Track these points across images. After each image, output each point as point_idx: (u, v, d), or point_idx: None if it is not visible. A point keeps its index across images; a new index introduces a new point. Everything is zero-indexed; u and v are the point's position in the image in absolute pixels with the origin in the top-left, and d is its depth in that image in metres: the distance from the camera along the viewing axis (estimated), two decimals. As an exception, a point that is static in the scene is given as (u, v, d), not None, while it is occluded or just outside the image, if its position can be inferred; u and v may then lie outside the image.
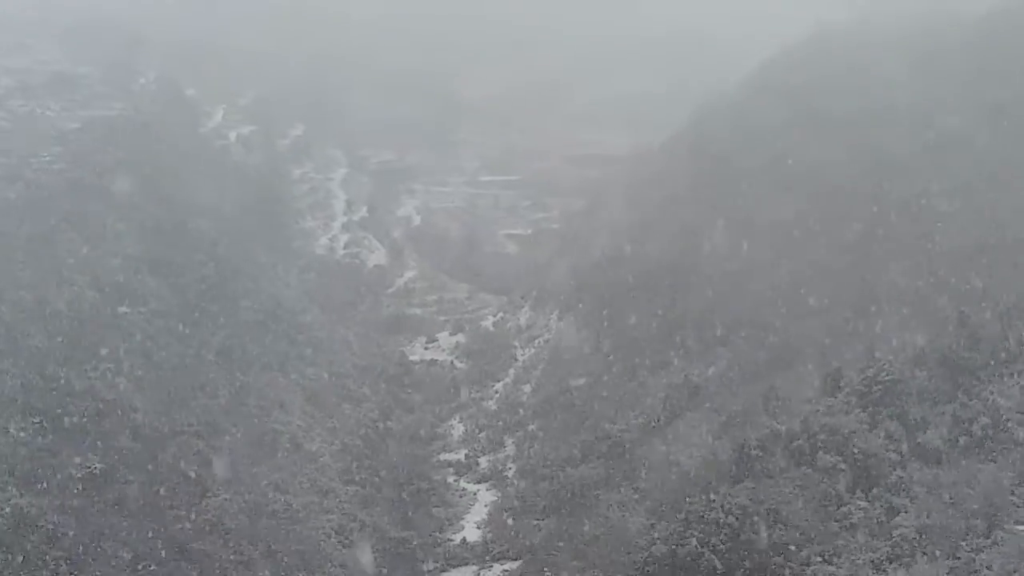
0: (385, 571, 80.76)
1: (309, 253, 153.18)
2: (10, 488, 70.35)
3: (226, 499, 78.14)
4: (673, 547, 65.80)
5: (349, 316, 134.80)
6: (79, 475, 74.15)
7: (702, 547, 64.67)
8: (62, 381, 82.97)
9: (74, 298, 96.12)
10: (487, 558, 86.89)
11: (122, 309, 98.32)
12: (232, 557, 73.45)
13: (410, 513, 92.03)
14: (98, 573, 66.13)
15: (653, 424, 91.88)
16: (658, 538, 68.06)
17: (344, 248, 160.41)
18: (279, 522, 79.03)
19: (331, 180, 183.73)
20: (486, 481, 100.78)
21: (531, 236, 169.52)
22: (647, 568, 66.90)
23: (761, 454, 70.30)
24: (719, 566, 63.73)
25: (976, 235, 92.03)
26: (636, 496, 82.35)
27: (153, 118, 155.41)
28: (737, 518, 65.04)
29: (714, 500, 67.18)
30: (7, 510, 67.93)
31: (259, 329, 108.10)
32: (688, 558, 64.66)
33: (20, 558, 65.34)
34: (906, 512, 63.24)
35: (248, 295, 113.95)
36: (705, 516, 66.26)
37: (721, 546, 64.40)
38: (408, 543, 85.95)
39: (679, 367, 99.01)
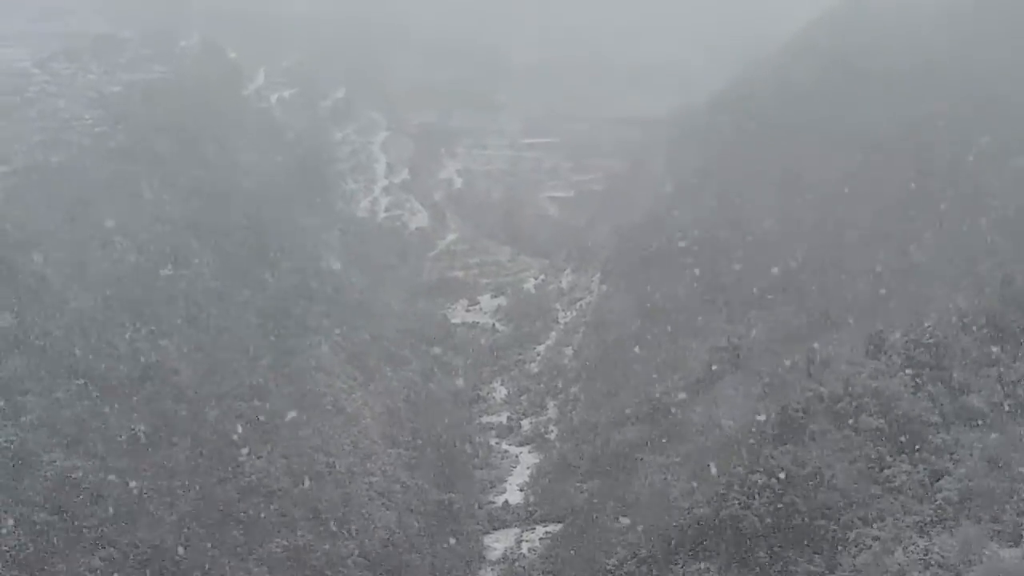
0: (428, 533, 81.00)
1: (351, 216, 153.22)
2: (55, 450, 70.80)
3: (269, 461, 78.39)
4: (715, 509, 65.80)
5: (391, 278, 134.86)
6: (123, 437, 74.48)
7: (744, 509, 64.63)
8: (105, 344, 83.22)
9: (117, 261, 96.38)
10: (529, 520, 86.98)
11: (164, 272, 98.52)
12: (275, 519, 73.65)
13: (452, 476, 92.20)
14: (143, 534, 66.60)
15: (695, 387, 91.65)
16: (700, 500, 68.02)
17: (385, 211, 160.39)
18: (322, 484, 79.15)
19: (372, 143, 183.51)
20: (528, 444, 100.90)
21: (573, 198, 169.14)
22: (689, 530, 66.92)
23: (803, 417, 69.92)
24: (761, 528, 63.66)
25: (1022, 196, 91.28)
26: (678, 459, 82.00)
27: (195, 81, 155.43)
28: (779, 481, 64.88)
29: (756, 463, 67.16)
30: (52, 472, 68.46)
31: (301, 291, 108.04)
32: (730, 520, 64.62)
33: (66, 519, 65.91)
34: (949, 475, 62.88)
35: (290, 258, 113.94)
36: (747, 479, 66.17)
37: (763, 508, 64.30)
38: (451, 505, 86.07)
39: (721, 329, 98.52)
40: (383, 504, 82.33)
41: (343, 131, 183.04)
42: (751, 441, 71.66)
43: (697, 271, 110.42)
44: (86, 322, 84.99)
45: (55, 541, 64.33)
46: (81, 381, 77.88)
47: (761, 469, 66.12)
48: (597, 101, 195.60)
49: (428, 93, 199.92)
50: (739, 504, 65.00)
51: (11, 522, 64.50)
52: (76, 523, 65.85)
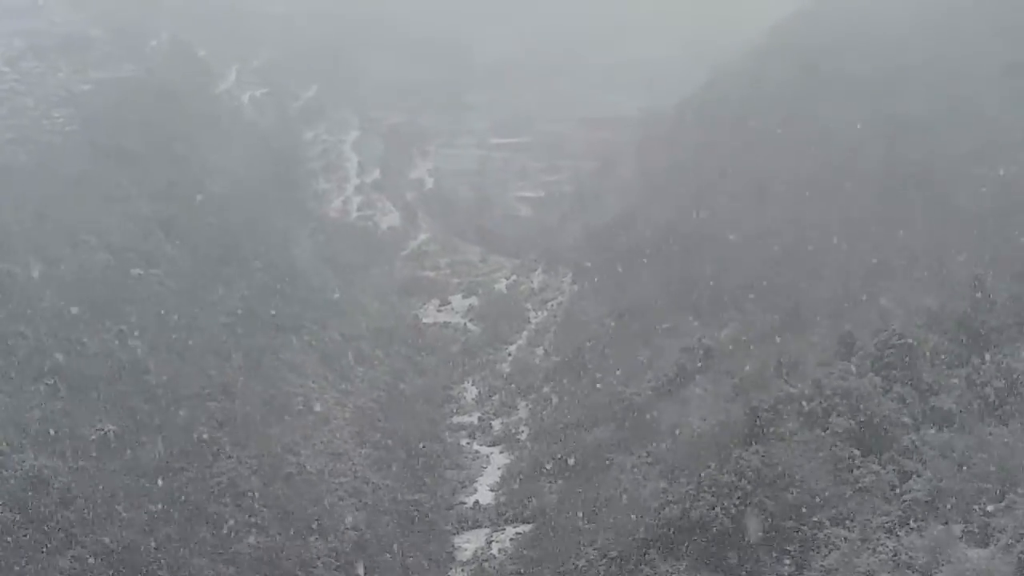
0: (399, 534, 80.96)
1: (322, 215, 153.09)
2: (25, 449, 70.61)
3: (239, 461, 78.31)
4: (686, 509, 65.81)
5: (362, 278, 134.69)
6: (93, 437, 74.33)
7: (714, 509, 64.69)
8: (75, 343, 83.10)
9: (86, 260, 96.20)
10: (500, 521, 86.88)
11: (135, 271, 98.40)
12: (246, 519, 73.59)
13: (423, 476, 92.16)
14: (113, 534, 66.43)
15: (666, 387, 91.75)
16: (671, 501, 68.03)
17: (357, 210, 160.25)
18: (293, 484, 79.13)
19: (344, 142, 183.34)
20: (499, 444, 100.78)
21: (543, 198, 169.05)
22: (660, 530, 66.94)
23: (773, 417, 70.05)
24: (731, 528, 63.73)
25: (991, 199, 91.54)
26: (649, 459, 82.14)
27: (165, 80, 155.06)
28: (749, 481, 64.98)
29: (726, 463, 67.24)
30: (21, 472, 68.22)
31: (272, 291, 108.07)
32: (700, 520, 64.60)
33: (34, 519, 65.67)
34: (919, 476, 63.01)
35: (261, 257, 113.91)
36: (717, 479, 66.18)
37: (733, 509, 64.34)
38: (421, 505, 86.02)
39: (691, 330, 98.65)
40: (353, 504, 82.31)
41: (315, 130, 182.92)
42: (721, 441, 71.80)
43: (668, 271, 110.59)
44: (55, 321, 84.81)
45: (24, 542, 64.12)
46: (50, 380, 77.69)
47: (731, 469, 66.21)
48: (569, 101, 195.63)
49: (400, 92, 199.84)
50: (709, 504, 65.06)
51: (-22, 522, 64.39)
52: (44, 523, 65.64)
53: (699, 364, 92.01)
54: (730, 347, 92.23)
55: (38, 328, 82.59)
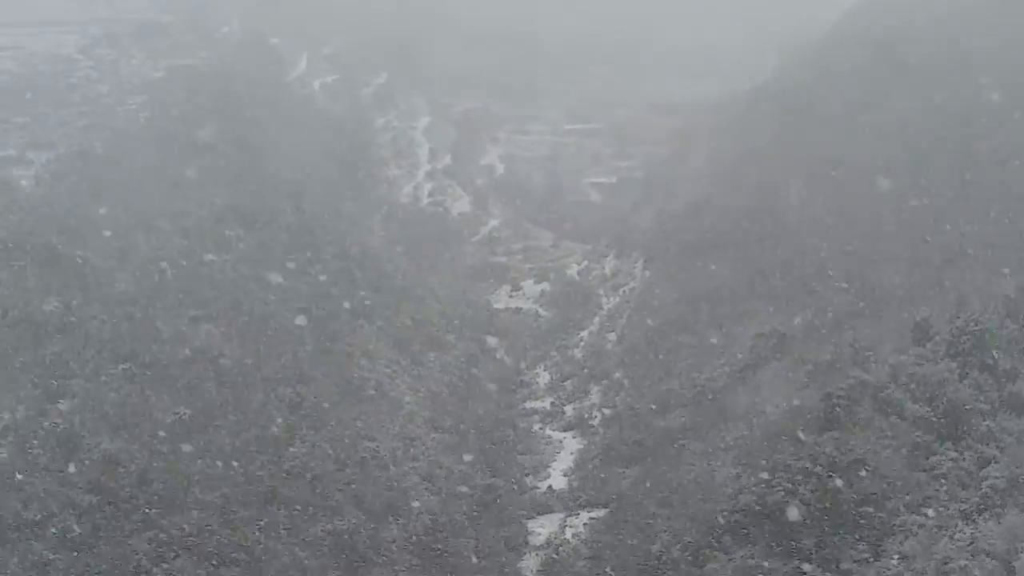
0: (472, 518, 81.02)
1: (393, 201, 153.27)
2: (101, 433, 71.24)
3: (313, 445, 78.56)
4: (760, 495, 65.56)
5: (434, 264, 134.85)
6: (168, 421, 74.89)
7: (789, 496, 64.38)
8: (150, 328, 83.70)
9: (161, 245, 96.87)
10: (573, 505, 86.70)
11: (208, 256, 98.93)
12: (320, 503, 73.81)
13: (496, 461, 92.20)
14: (189, 517, 66.89)
15: (739, 373, 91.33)
16: (745, 487, 67.75)
17: (428, 196, 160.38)
18: (366, 469, 79.28)
19: (415, 129, 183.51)
20: (572, 429, 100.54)
21: (615, 184, 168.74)
22: (733, 517, 66.70)
23: (848, 404, 69.54)
24: (806, 516, 63.39)
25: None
26: (722, 445, 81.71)
27: (237, 67, 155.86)
28: (824, 468, 64.62)
29: (801, 450, 66.89)
30: (99, 454, 68.86)
31: (344, 277, 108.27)
32: (775, 508, 64.34)
33: (112, 501, 66.25)
34: (996, 462, 62.40)
35: (333, 243, 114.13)
36: (792, 466, 65.87)
37: (808, 495, 64.01)
38: (494, 490, 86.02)
39: (764, 316, 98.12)
40: (427, 488, 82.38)
41: (385, 117, 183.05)
42: (795, 428, 71.37)
43: (741, 257, 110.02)
44: (131, 307, 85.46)
45: (102, 523, 64.72)
46: (126, 365, 78.33)
47: (805, 456, 65.87)
48: (638, 87, 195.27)
49: (470, 79, 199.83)
50: (783, 491, 64.75)
51: (59, 505, 64.97)
52: (122, 505, 66.20)
53: (772, 350, 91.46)
54: (803, 333, 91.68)
55: (114, 313, 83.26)
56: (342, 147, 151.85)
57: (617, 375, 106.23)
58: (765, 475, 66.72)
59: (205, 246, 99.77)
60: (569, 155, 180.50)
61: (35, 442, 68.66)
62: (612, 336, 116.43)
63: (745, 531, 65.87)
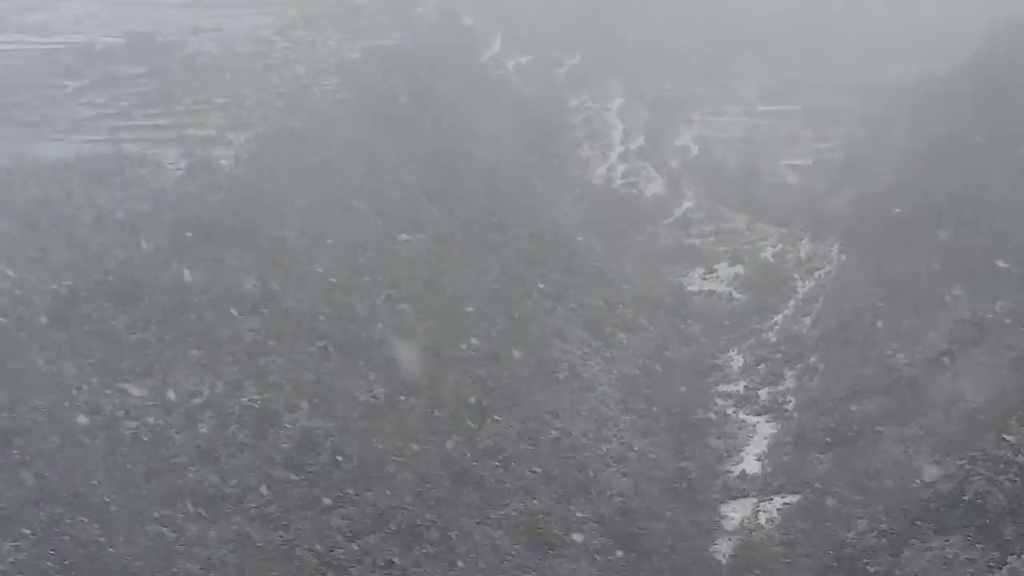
0: (664, 501, 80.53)
1: (586, 182, 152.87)
2: (297, 410, 72.15)
3: (506, 425, 78.71)
4: (958, 485, 64.15)
5: (626, 246, 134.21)
6: (363, 399, 75.54)
7: (989, 486, 62.86)
8: (345, 307, 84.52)
9: (356, 225, 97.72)
10: (767, 491, 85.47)
11: (403, 237, 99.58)
12: (511, 483, 73.87)
13: (689, 444, 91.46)
14: (383, 495, 67.44)
15: (938, 359, 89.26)
16: (943, 475, 66.36)
17: (621, 178, 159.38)
18: (558, 449, 79.18)
19: (608, 110, 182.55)
20: (765, 413, 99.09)
21: (811, 166, 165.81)
22: (931, 505, 65.34)
23: (1055, 392, 67.96)
24: (1008, 505, 61.85)
25: None
26: (919, 433, 79.75)
27: (432, 47, 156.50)
28: (1028, 457, 63.03)
29: (1004, 438, 65.26)
30: (295, 431, 69.79)
31: (536, 258, 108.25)
32: (975, 497, 62.83)
33: (307, 478, 67.11)
34: None
35: (526, 224, 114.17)
36: (993, 454, 64.20)
37: (1010, 485, 62.44)
38: (687, 473, 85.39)
39: (964, 301, 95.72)
40: (618, 470, 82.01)
41: (579, 98, 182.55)
42: (997, 416, 69.63)
43: (941, 242, 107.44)
44: (326, 285, 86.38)
45: (298, 499, 65.60)
46: (322, 343, 79.20)
47: (1009, 445, 64.25)
48: (838, 67, 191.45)
49: (664, 60, 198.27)
50: (984, 480, 63.25)
51: (256, 480, 66.03)
52: (317, 482, 67.01)
53: (972, 337, 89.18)
54: (1007, 320, 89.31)
55: (311, 292, 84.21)
56: (535, 128, 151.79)
57: (812, 359, 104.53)
58: (965, 464, 65.26)
59: (400, 226, 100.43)
60: (764, 136, 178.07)
61: (233, 418, 69.77)
62: (807, 320, 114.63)
63: (943, 520, 64.46)
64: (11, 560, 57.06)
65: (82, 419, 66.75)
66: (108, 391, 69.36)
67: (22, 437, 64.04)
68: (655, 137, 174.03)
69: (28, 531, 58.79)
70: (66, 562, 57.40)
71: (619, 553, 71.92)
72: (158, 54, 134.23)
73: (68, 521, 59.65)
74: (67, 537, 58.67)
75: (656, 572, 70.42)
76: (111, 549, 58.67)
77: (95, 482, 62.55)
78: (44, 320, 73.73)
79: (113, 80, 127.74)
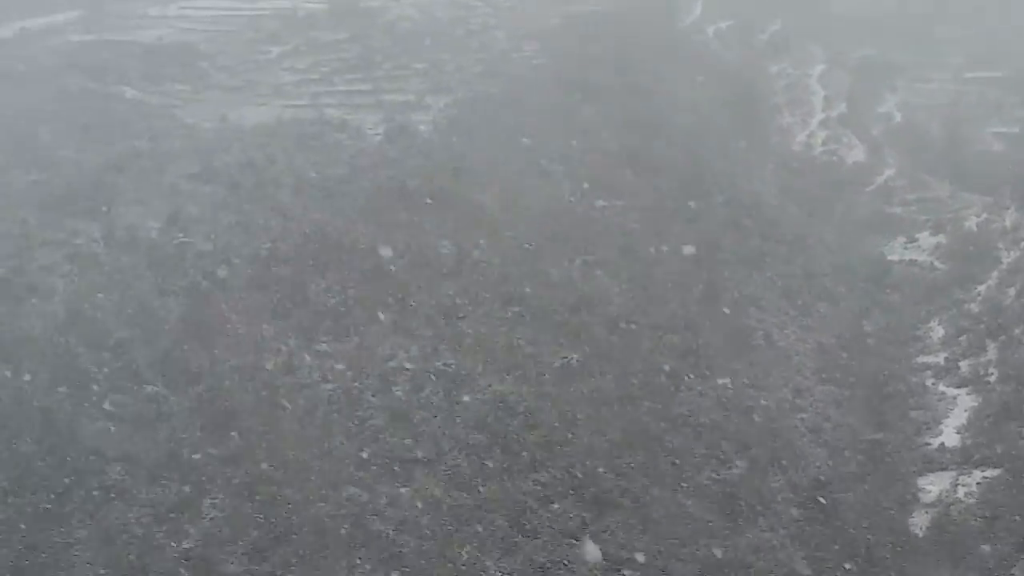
0: (860, 472, 79.20)
1: (785, 150, 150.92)
2: (490, 374, 72.49)
3: (700, 394, 78.16)
4: None
5: (825, 214, 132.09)
6: (556, 364, 75.63)
7: None
8: (539, 272, 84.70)
9: (553, 190, 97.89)
10: (966, 464, 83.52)
11: (599, 203, 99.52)
12: (704, 451, 73.30)
13: (884, 415, 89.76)
14: (575, 460, 67.38)
15: None
16: None
17: (821, 145, 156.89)
18: (752, 418, 78.38)
19: (809, 76, 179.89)
20: (966, 385, 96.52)
21: (1018, 134, 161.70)
22: None
23: None
24: None
25: None
26: None
27: (631, 13, 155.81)
28: None
29: None
30: (487, 396, 70.11)
31: (734, 225, 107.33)
32: None
33: (498, 442, 67.34)
34: None
35: (723, 191, 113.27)
36: None
37: None
38: (884, 445, 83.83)
39: None
40: (813, 441, 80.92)
41: (779, 64, 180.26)
42: None
43: None
44: (521, 250, 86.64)
45: (489, 464, 65.88)
46: (516, 308, 79.51)
47: None
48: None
49: (867, 26, 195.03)
50: None
51: (448, 444, 66.52)
52: (509, 446, 67.22)
53: None
54: None
55: (505, 257, 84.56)
56: (734, 94, 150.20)
57: (1016, 331, 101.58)
58: None
59: (596, 191, 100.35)
60: (970, 104, 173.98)
61: (427, 382, 70.39)
62: (1011, 291, 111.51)
63: None
64: (210, 518, 58.36)
65: (280, 380, 67.96)
66: (305, 353, 70.57)
67: (223, 398, 65.40)
68: (857, 104, 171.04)
69: (226, 490, 60.02)
70: (262, 521, 58.46)
71: (813, 525, 70.89)
72: (360, 19, 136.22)
73: (265, 481, 60.73)
74: (263, 497, 59.73)
75: (851, 544, 69.14)
76: (306, 509, 59.58)
77: (292, 442, 63.62)
78: (243, 282, 75.25)
79: (316, 45, 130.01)
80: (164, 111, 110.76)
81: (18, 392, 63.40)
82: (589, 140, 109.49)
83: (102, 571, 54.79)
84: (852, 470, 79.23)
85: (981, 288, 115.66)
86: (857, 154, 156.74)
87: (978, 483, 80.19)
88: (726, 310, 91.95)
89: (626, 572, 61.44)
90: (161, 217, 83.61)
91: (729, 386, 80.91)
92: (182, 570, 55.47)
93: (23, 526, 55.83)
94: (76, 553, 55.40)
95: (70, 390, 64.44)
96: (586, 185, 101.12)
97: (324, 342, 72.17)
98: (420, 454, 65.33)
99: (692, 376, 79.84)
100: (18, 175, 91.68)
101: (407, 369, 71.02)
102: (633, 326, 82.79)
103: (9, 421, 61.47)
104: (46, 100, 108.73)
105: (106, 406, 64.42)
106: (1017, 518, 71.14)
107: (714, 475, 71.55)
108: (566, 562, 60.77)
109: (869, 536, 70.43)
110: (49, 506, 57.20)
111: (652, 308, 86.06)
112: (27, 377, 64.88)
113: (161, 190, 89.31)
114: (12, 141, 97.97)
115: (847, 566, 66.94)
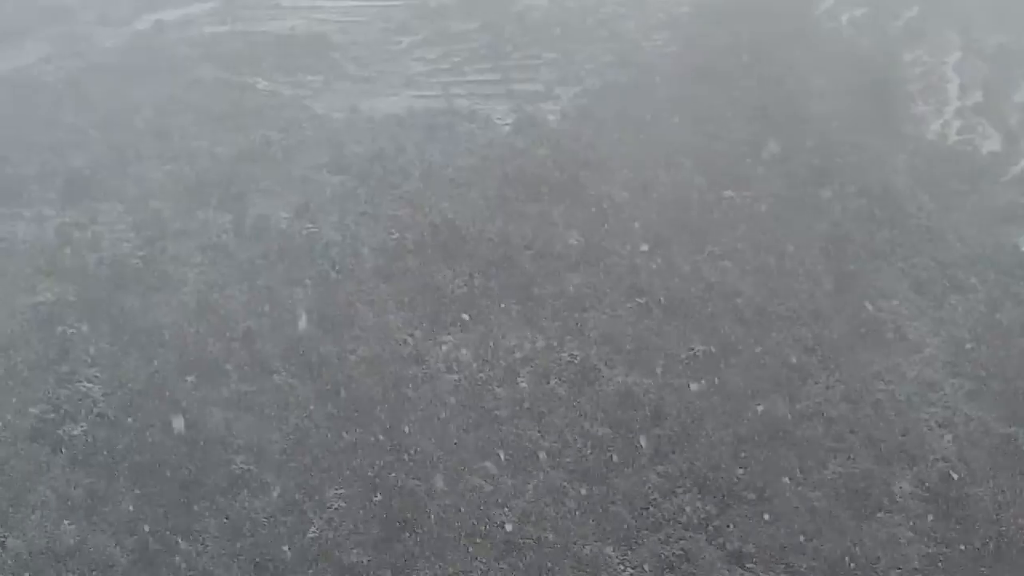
0: (992, 469, 78.05)
1: (919, 138, 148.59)
2: (616, 366, 72.61)
3: (827, 386, 77.54)
4: None
5: (959, 204, 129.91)
6: (683, 356, 75.50)
7: None
8: (667, 264, 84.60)
9: (680, 181, 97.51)
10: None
11: (727, 193, 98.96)
12: (831, 444, 72.68)
13: (1018, 409, 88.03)
14: (700, 454, 67.19)
15: None
16: None
17: (956, 134, 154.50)
18: (880, 412, 77.54)
19: (944, 64, 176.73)
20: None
21: None
22: None
23: None
24: None
25: None
26: None
27: (763, 1, 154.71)
28: None
29: None
30: (612, 387, 70.22)
31: (865, 215, 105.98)
32: None
33: (624, 434, 67.44)
34: None
35: (855, 181, 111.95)
36: None
37: None
38: (1015, 441, 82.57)
39: None
40: (943, 435, 79.89)
41: (913, 52, 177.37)
42: None
43: None
44: (649, 241, 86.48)
45: (614, 456, 65.98)
46: (643, 299, 79.48)
47: None
48: None
49: (1006, 12, 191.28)
50: None
51: (573, 435, 66.69)
52: (634, 439, 67.27)
53: None
54: None
55: (632, 248, 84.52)
56: (867, 82, 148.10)
57: None
58: None
59: (724, 182, 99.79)
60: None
61: (553, 373, 70.64)
62: None
63: None
64: (335, 507, 59.03)
65: (406, 371, 68.49)
66: (431, 343, 71.07)
67: (350, 388, 66.13)
68: (994, 92, 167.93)
69: (351, 480, 60.66)
70: (387, 510, 59.02)
71: (941, 520, 70.07)
72: (490, 9, 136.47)
73: (391, 470, 61.30)
74: (389, 486, 60.28)
75: (980, 540, 68.30)
76: (430, 499, 60.05)
77: (417, 432, 64.15)
78: (371, 273, 75.90)
79: (446, 36, 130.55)
80: (296, 101, 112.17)
81: (148, 381, 64.67)
82: (718, 130, 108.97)
83: (228, 560, 55.79)
84: (982, 465, 78.16)
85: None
86: (992, 143, 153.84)
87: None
88: (862, 302, 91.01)
89: (749, 566, 61.27)
90: (291, 207, 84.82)
91: (857, 379, 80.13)
92: (307, 560, 56.25)
93: (151, 515, 56.99)
94: (204, 544, 56.47)
95: (198, 379, 65.66)
96: (714, 175, 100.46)
97: (450, 333, 72.66)
98: (545, 445, 65.63)
99: (819, 369, 79.15)
100: (153, 165, 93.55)
101: (533, 360, 71.27)
102: (761, 318, 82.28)
103: (138, 411, 62.73)
104: (180, 91, 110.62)
105: (233, 396, 65.51)
106: None
107: (840, 469, 71.00)
108: (690, 556, 60.70)
109: (999, 532, 69.53)
110: (176, 495, 58.29)
111: (780, 299, 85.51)
112: (156, 365, 66.18)
113: (291, 180, 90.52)
114: (148, 131, 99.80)
115: (975, 564, 66.07)
